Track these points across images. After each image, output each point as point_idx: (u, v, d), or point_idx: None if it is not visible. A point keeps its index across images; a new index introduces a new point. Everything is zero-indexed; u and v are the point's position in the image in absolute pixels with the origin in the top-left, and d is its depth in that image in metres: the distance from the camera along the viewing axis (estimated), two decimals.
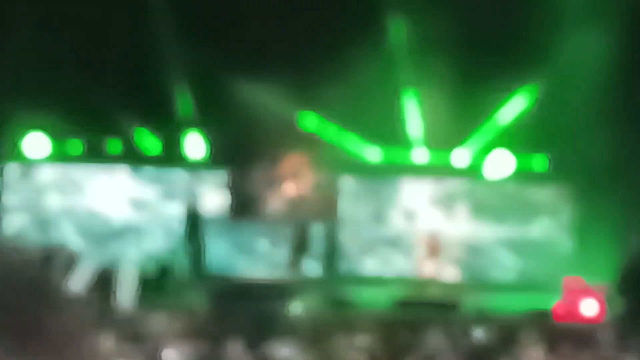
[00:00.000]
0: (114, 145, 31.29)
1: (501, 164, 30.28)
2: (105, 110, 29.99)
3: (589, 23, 28.87)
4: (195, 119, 30.29)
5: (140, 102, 29.76)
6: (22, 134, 31.14)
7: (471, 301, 26.63)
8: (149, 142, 31.20)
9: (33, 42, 29.64)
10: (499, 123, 30.47)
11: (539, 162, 30.52)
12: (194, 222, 28.37)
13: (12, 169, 32.11)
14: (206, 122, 30.46)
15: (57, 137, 31.29)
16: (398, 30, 30.03)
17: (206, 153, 31.13)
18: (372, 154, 30.90)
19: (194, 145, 30.62)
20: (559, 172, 30.37)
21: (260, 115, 28.68)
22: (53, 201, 31.61)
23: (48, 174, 31.90)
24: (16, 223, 31.31)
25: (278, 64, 28.82)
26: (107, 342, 18.73)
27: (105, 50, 29.44)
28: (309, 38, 28.60)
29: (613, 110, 27.47)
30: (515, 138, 30.41)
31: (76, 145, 31.35)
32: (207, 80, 29.23)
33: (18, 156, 31.66)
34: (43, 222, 31.29)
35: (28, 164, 31.88)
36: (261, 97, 28.49)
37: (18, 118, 30.83)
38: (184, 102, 29.77)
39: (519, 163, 30.68)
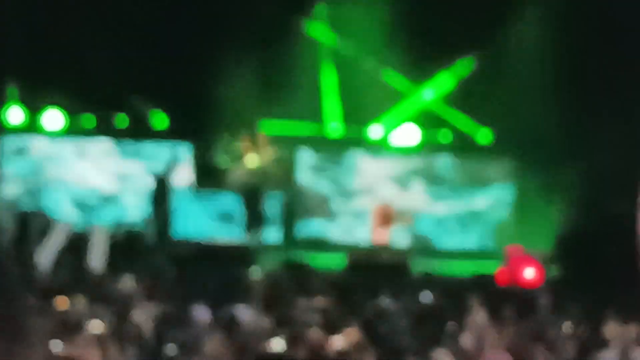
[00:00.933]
0: (120, 120, 31.69)
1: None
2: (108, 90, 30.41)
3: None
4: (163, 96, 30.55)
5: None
6: (41, 109, 31.62)
7: (420, 266, 26.86)
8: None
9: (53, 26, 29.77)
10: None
11: (484, 136, 30.81)
12: (162, 192, 28.50)
13: (12, 141, 32.34)
14: (175, 99, 30.70)
15: (70, 112, 31.69)
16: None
17: (172, 127, 31.51)
18: (330, 129, 31.27)
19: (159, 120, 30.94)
20: (502, 146, 30.64)
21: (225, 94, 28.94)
22: (45, 172, 32.02)
23: (44, 147, 32.17)
24: (11, 191, 31.66)
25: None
26: (79, 304, 18.97)
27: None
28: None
29: (555, 86, 27.50)
30: (458, 112, 30.73)
31: (86, 120, 31.75)
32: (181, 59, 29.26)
33: (33, 128, 32.18)
34: (34, 190, 31.66)
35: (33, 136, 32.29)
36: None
37: (35, 94, 31.21)
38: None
39: (464, 137, 31.06)
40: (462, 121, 30.81)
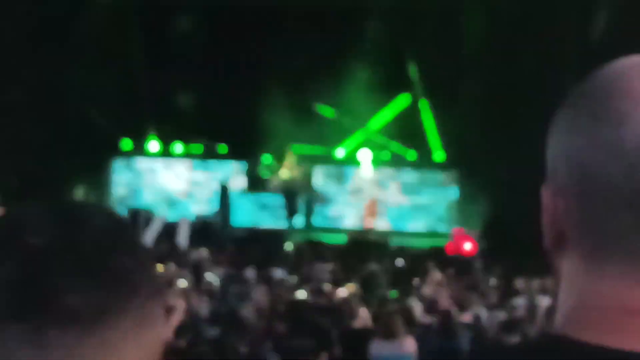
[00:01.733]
0: (196, 147, 31.82)
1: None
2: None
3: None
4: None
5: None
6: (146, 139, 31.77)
7: (395, 242, 26.79)
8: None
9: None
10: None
11: (439, 156, 30.54)
12: (224, 194, 28.42)
13: (123, 161, 32.43)
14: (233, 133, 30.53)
15: (163, 140, 31.79)
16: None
17: (231, 152, 31.56)
18: (337, 152, 31.10)
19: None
20: (450, 161, 30.26)
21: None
22: (149, 181, 32.15)
23: (146, 164, 32.25)
24: (122, 193, 31.83)
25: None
26: (171, 269, 19.04)
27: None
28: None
29: (486, 116, 26.63)
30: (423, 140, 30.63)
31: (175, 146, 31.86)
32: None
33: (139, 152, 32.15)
34: (139, 194, 31.83)
35: (137, 157, 32.32)
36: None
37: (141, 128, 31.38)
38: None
39: (426, 156, 30.77)
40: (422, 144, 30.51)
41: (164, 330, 1.22)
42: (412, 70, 29.65)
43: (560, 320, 1.29)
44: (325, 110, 29.78)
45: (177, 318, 12.06)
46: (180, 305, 12.60)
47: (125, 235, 1.19)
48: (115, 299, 1.14)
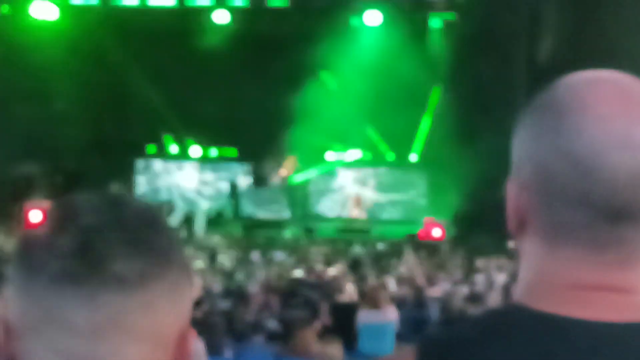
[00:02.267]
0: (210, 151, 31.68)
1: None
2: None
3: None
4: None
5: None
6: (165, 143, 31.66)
7: (376, 230, 26.79)
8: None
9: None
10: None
11: (413, 157, 30.52)
12: (234, 189, 28.46)
13: (144, 163, 32.41)
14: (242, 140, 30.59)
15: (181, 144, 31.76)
16: None
17: (239, 155, 31.54)
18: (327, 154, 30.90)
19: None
20: (421, 163, 30.33)
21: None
22: (165, 180, 32.05)
23: (162, 165, 32.19)
24: (144, 190, 31.71)
25: None
26: (189, 252, 19.03)
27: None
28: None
29: (455, 125, 26.55)
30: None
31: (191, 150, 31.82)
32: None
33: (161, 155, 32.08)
34: (158, 191, 31.75)
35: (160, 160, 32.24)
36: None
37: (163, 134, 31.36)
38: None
39: (402, 157, 30.76)
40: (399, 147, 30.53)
41: (190, 298, 1.25)
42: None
43: (520, 292, 1.32)
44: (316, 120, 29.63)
45: (195, 293, 12.06)
46: (197, 282, 12.60)
47: (159, 218, 1.24)
48: (154, 267, 1.18)
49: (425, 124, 28.62)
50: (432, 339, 1.33)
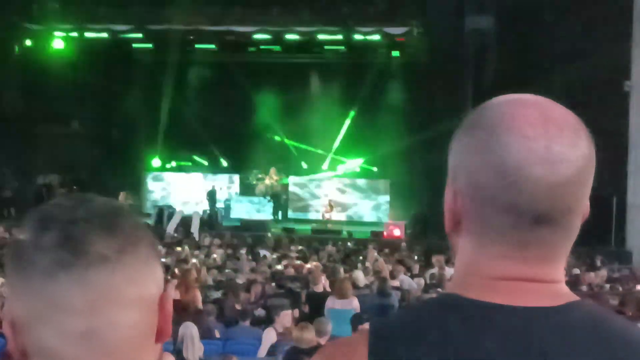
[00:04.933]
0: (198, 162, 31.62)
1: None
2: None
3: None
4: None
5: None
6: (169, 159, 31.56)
7: (347, 230, 26.54)
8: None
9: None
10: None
11: (376, 170, 30.55)
12: (212, 196, 28.35)
13: (151, 175, 32.29)
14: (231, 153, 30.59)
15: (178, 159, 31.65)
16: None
17: (229, 166, 31.47)
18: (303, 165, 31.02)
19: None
20: (385, 173, 30.11)
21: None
22: (167, 189, 31.90)
23: (165, 176, 32.06)
24: (150, 197, 31.51)
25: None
26: (185, 249, 18.90)
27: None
28: None
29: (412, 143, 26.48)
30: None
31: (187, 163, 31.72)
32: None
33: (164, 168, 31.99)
34: (166, 197, 31.57)
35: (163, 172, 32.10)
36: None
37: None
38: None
39: (367, 169, 30.68)
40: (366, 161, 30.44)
41: (161, 268, 1.28)
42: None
43: (454, 283, 1.36)
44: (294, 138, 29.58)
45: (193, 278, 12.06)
46: (192, 274, 12.57)
47: (124, 207, 1.26)
48: (127, 244, 1.20)
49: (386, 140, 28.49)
50: (381, 322, 1.35)
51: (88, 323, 1.17)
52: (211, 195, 28.65)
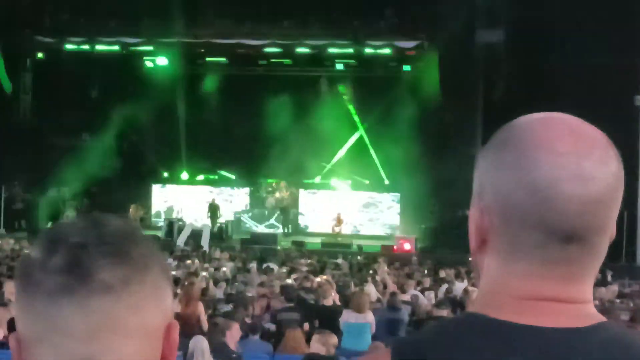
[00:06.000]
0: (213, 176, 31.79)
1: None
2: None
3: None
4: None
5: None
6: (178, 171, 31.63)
7: (356, 244, 26.54)
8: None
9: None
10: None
11: (387, 183, 30.60)
12: (213, 208, 28.27)
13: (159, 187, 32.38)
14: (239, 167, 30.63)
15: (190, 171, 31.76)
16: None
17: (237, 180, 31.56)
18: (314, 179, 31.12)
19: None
20: (394, 187, 30.34)
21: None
22: (177, 202, 31.95)
23: (174, 189, 32.18)
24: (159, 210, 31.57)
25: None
26: (195, 262, 18.94)
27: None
28: None
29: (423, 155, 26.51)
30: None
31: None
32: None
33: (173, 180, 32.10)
34: (173, 210, 31.62)
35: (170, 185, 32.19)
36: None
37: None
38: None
39: (378, 183, 30.75)
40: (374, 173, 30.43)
41: (171, 296, 1.27)
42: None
43: (479, 303, 1.34)
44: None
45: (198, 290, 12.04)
46: (199, 286, 12.56)
47: (138, 232, 1.25)
48: (135, 273, 1.19)
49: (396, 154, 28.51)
50: (404, 340, 1.35)
51: (87, 349, 1.17)
52: (213, 209, 28.55)
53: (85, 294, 1.16)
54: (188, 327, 9.99)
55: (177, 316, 10.53)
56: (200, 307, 11.30)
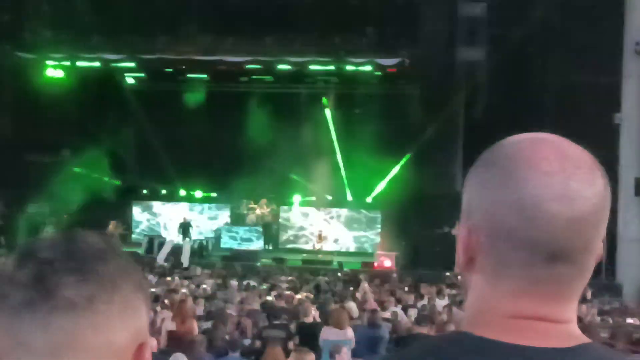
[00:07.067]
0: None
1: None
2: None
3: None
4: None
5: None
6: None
7: (337, 260, 26.55)
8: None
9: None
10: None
11: (369, 201, 30.67)
12: (184, 227, 28.06)
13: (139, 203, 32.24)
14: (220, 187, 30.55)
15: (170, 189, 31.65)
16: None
17: (218, 198, 31.50)
18: (295, 197, 31.08)
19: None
20: (376, 204, 30.36)
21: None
22: (157, 218, 31.81)
23: (155, 206, 32.03)
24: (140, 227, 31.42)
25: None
26: (175, 279, 18.89)
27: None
28: None
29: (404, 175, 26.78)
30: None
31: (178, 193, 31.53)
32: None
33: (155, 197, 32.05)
34: (154, 227, 31.43)
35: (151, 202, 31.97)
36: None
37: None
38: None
39: (360, 200, 30.75)
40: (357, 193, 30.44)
41: (146, 314, 1.25)
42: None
43: (466, 321, 1.35)
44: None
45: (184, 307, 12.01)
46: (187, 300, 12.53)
47: (110, 250, 1.23)
48: (101, 292, 1.17)
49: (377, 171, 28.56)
50: (394, 359, 1.35)
51: None
52: (184, 227, 28.40)
53: (47, 310, 1.14)
54: (185, 344, 9.95)
55: (174, 334, 10.51)
56: (195, 324, 11.31)
